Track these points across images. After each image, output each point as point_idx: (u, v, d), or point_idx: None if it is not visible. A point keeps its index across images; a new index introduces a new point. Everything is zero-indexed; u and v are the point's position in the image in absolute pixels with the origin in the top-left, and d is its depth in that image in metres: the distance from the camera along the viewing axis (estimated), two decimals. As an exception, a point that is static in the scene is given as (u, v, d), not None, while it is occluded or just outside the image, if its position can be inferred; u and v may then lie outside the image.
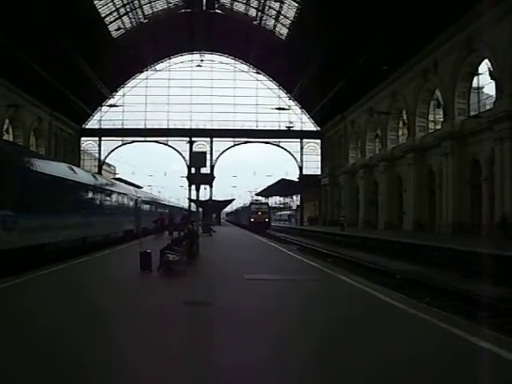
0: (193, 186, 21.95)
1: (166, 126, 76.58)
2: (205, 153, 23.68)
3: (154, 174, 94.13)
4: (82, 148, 77.51)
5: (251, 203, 73.06)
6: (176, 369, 5.44)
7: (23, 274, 12.50)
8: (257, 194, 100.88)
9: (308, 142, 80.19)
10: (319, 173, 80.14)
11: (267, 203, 78.30)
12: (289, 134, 77.67)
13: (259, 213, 66.20)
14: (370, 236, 38.51)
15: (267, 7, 65.69)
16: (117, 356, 5.83)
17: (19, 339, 6.39)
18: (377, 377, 5.18)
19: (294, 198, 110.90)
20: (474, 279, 17.53)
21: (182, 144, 68.35)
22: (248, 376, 5.19)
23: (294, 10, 61.12)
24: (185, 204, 70.46)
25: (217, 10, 68.99)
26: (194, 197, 24.04)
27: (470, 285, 16.23)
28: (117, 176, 75.91)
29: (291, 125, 77.28)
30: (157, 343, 6.39)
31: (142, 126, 76.59)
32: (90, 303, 9.03)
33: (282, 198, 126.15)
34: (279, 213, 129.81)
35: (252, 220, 64.70)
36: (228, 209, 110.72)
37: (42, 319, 7.62)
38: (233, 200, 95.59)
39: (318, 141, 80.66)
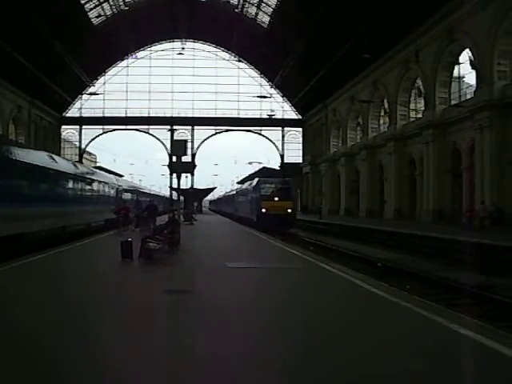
0: (174, 175, 21.73)
1: (147, 115, 76.36)
2: (185, 141, 23.47)
3: (135, 162, 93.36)
4: (62, 136, 77.00)
5: (259, 181, 40.21)
6: (150, 351, 5.39)
7: (1, 264, 12.35)
8: (238, 183, 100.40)
9: (289, 131, 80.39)
10: (301, 161, 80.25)
11: (290, 181, 41.64)
12: (270, 122, 77.51)
13: (276, 198, 37.44)
14: (350, 224, 38.63)
15: (249, -5, 65.30)
16: (94, 343, 5.78)
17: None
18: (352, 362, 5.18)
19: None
20: (454, 267, 17.64)
21: (163, 132, 68.22)
22: (220, 364, 5.12)
23: (276, -2, 60.77)
24: (166, 192, 69.69)
25: (198, -2, 68.47)
26: (175, 185, 23.87)
27: (450, 272, 16.36)
28: (98, 164, 75.36)
29: (272, 113, 77.09)
30: (135, 331, 6.35)
31: (123, 115, 76.24)
32: (67, 292, 8.93)
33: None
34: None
35: (263, 211, 36.89)
36: (210, 197, 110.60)
37: (19, 307, 7.53)
38: (214, 188, 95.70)
39: (300, 129, 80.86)
